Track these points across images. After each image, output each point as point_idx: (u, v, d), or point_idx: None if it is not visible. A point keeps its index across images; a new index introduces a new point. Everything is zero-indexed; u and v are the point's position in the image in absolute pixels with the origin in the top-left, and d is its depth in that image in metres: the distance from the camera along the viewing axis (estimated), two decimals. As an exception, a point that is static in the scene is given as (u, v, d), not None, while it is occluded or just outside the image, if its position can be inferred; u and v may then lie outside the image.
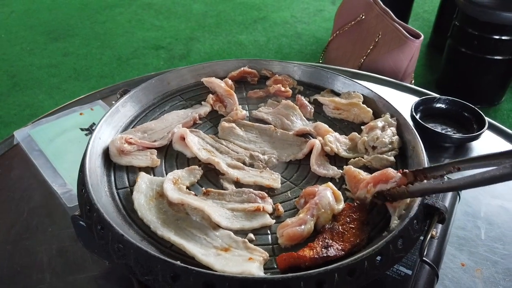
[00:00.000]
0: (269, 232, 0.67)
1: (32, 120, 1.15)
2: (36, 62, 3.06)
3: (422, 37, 1.51)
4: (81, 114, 1.20)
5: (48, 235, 0.85)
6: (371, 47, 1.62)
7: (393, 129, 0.81)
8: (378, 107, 0.89)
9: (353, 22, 1.77)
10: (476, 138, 1.08)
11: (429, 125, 1.09)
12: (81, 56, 3.15)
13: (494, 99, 2.67)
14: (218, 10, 3.85)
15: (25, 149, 1.05)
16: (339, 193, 0.70)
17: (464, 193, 0.96)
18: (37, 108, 2.63)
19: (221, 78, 0.98)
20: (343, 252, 0.60)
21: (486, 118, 1.11)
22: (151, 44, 3.32)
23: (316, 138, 0.82)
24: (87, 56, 3.15)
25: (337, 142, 0.80)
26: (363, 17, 1.73)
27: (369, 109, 0.87)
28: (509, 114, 2.60)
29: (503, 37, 2.35)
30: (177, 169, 0.77)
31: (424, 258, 0.73)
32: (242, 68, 1.00)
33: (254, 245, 0.63)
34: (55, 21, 3.59)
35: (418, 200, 0.64)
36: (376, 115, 0.88)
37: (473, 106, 1.15)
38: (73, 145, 1.07)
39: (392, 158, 0.78)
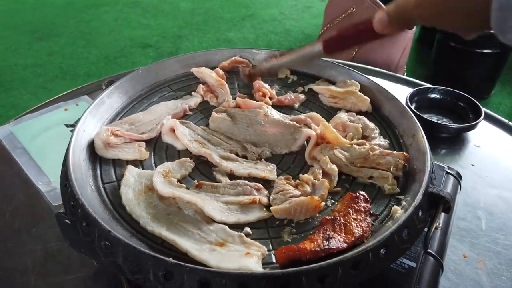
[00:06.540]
0: (266, 225, 0.63)
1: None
2: (21, 62, 2.98)
3: (414, 28, 1.49)
4: (66, 110, 1.15)
5: (32, 236, 0.81)
6: (363, 40, 1.59)
7: (355, 115, 0.81)
8: (375, 95, 0.85)
9: (343, 15, 1.74)
10: (473, 127, 1.06)
11: (425, 116, 1.06)
12: (67, 55, 3.08)
13: (484, 93, 2.67)
14: (206, 8, 3.80)
15: (7, 146, 1.00)
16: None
17: (462, 184, 0.94)
18: (22, 108, 2.52)
19: (212, 68, 0.94)
20: (345, 245, 0.56)
21: (482, 108, 1.10)
22: (139, 43, 3.26)
23: (310, 128, 0.78)
24: (73, 55, 3.09)
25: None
26: (354, 9, 1.70)
27: (366, 97, 0.84)
28: (499, 107, 2.60)
29: (492, 31, 2.35)
30: (167, 161, 0.72)
31: (428, 249, 0.70)
32: (233, 58, 0.96)
33: (251, 239, 0.60)
34: (39, 21, 3.52)
35: (422, 189, 0.61)
36: (373, 103, 0.85)
37: (468, 96, 1.13)
38: (57, 141, 1.02)
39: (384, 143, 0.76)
